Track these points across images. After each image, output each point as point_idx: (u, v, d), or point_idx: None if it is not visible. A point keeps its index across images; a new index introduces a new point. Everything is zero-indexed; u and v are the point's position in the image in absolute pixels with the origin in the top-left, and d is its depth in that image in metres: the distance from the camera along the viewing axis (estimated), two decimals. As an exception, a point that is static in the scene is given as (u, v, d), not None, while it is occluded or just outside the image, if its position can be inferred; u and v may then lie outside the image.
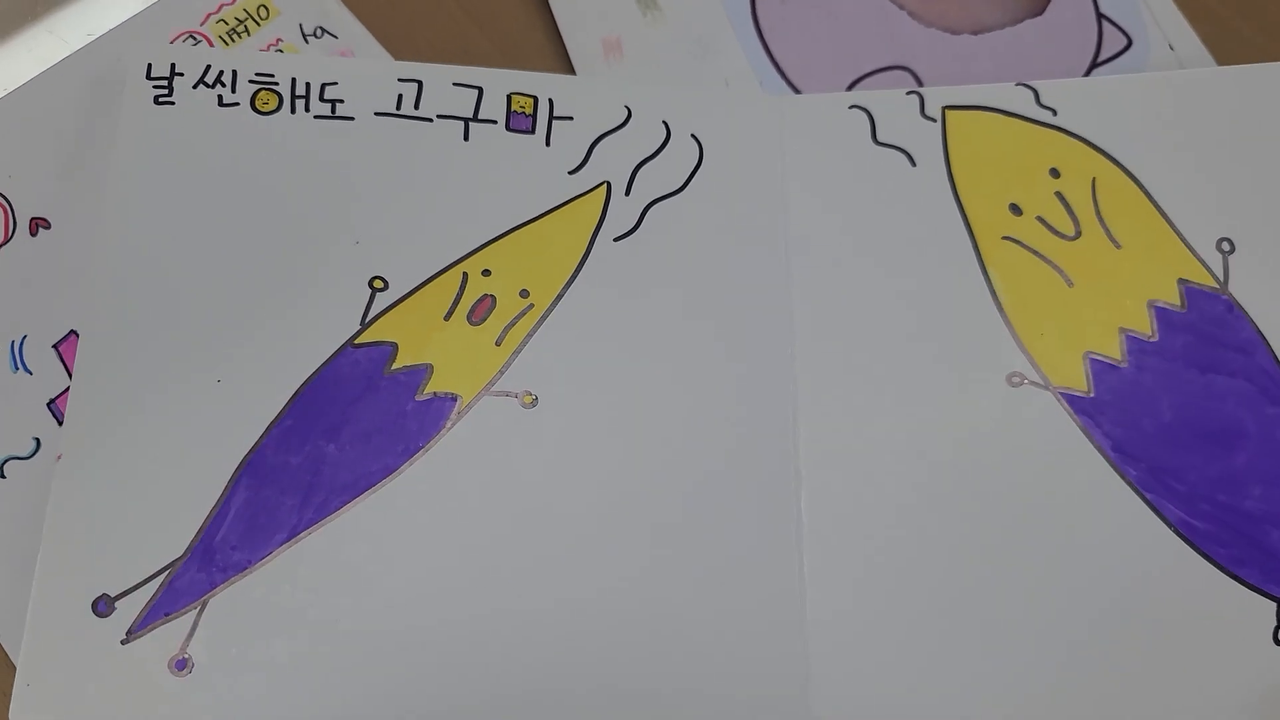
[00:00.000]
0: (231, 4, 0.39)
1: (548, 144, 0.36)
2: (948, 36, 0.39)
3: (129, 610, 0.30)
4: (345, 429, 0.32)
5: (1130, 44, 0.39)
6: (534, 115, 0.36)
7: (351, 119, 0.35)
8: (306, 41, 0.39)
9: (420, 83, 0.36)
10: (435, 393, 0.33)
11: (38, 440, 0.34)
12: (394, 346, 0.33)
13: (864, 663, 0.31)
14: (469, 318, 0.34)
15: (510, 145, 0.36)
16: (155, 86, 0.36)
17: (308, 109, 0.35)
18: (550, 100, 0.36)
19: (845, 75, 0.38)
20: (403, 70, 0.36)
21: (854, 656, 0.31)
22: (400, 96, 0.36)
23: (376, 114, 0.36)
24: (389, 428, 0.32)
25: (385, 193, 0.35)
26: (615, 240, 0.35)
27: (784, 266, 0.34)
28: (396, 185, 0.35)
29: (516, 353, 0.33)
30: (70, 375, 0.34)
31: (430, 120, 0.36)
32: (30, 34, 0.40)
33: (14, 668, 0.30)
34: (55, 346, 0.35)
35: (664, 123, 0.36)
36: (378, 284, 0.34)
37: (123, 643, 0.30)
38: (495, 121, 0.36)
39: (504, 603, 0.31)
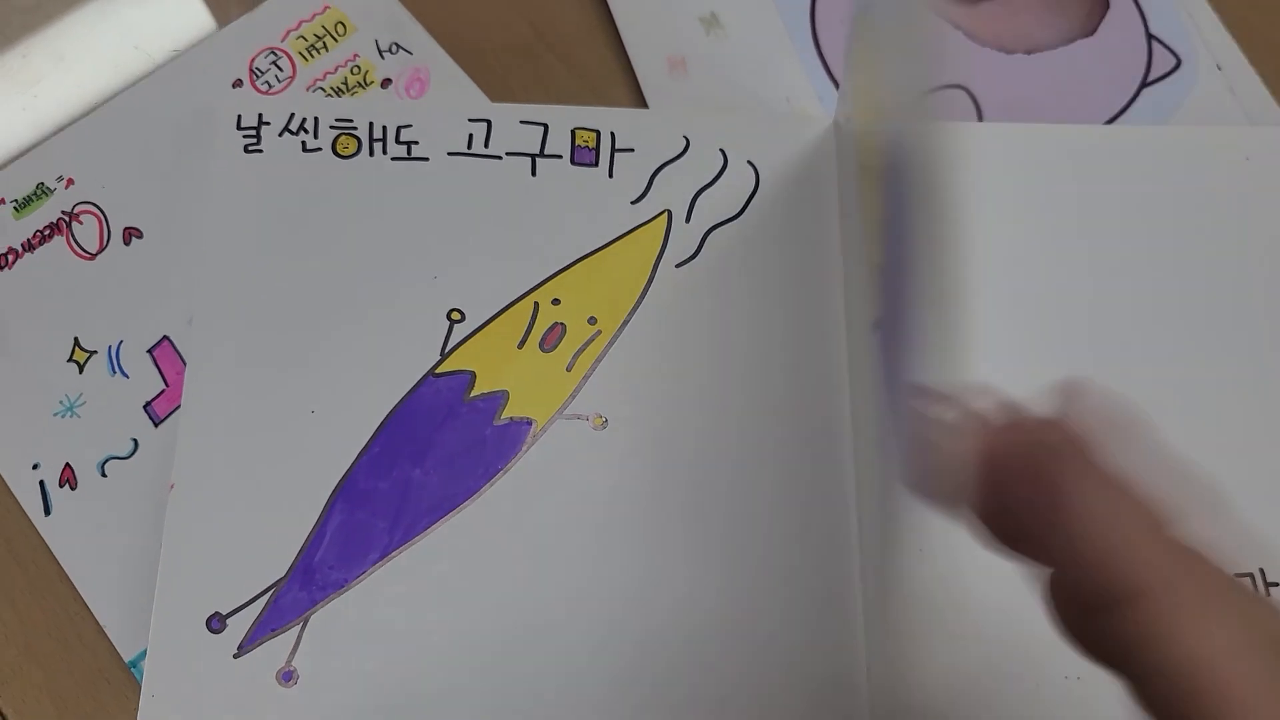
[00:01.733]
0: (310, 20, 0.41)
1: (610, 175, 0.37)
2: (1002, 56, 0.40)
3: (239, 627, 0.33)
4: (430, 454, 0.34)
5: (1180, 64, 0.40)
6: (596, 148, 0.38)
7: (426, 159, 0.37)
8: (382, 57, 0.41)
9: (489, 122, 0.38)
10: (512, 418, 0.35)
11: (135, 441, 0.36)
12: (472, 375, 0.35)
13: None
14: (541, 345, 0.36)
15: (575, 178, 0.37)
16: (245, 136, 0.38)
17: (385, 151, 0.37)
18: (612, 134, 0.38)
19: (902, 94, 0.40)
20: (473, 110, 0.38)
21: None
22: (471, 136, 0.37)
23: (449, 154, 0.37)
24: (470, 451, 0.34)
25: (460, 228, 0.37)
26: (677, 266, 0.36)
27: (839, 286, 0.36)
28: (471, 221, 0.37)
29: (586, 377, 0.35)
30: (164, 379, 0.36)
31: (500, 158, 0.37)
32: (117, 50, 0.41)
33: (123, 665, 0.33)
34: (150, 351, 0.37)
35: (721, 150, 0.38)
36: (455, 315, 0.36)
37: (234, 656, 0.32)
38: (560, 156, 0.37)
39: (582, 611, 0.33)
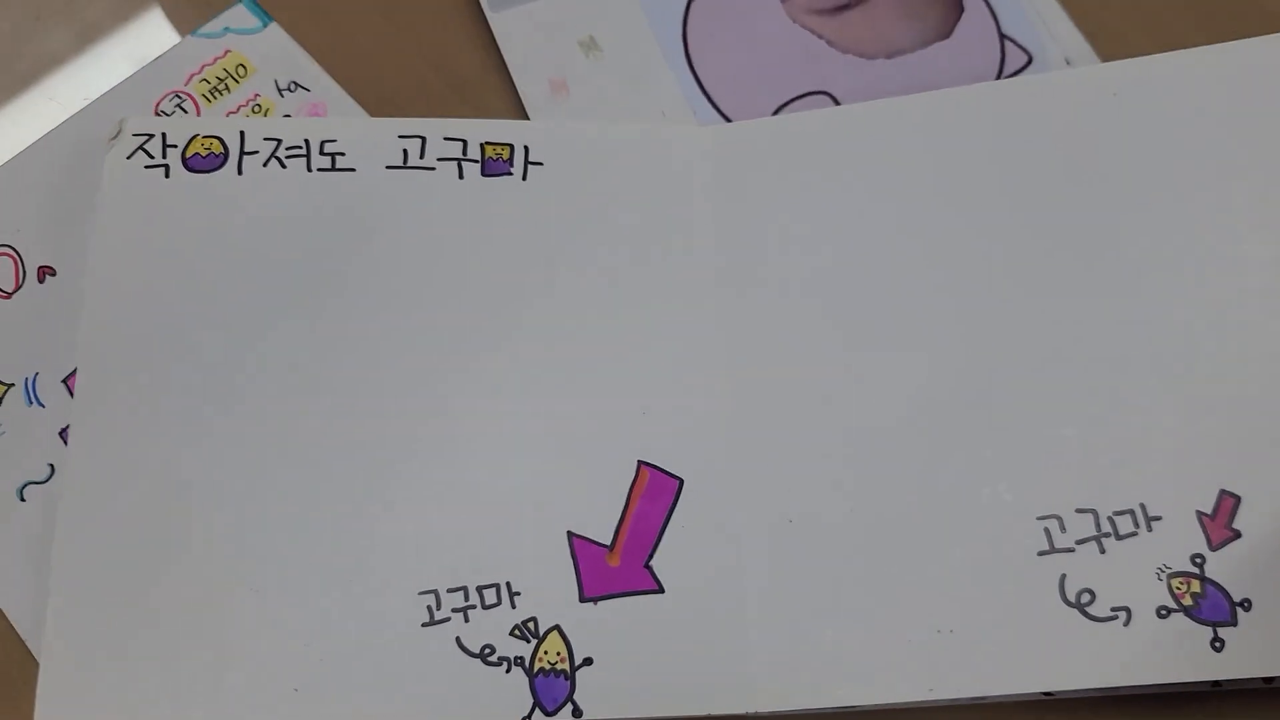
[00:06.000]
0: (212, 64, 0.43)
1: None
2: (863, 62, 0.43)
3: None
4: None
5: (1031, 60, 0.42)
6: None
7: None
8: (281, 95, 0.43)
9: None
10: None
11: (52, 466, 0.38)
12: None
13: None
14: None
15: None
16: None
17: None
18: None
19: (771, 102, 0.42)
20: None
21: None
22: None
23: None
24: None
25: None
26: None
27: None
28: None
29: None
30: (80, 407, 0.38)
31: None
32: (31, 101, 0.44)
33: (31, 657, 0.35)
34: (64, 381, 0.39)
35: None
36: None
37: None
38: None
39: None
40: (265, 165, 0.39)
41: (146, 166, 0.39)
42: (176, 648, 0.34)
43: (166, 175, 0.39)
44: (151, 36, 0.45)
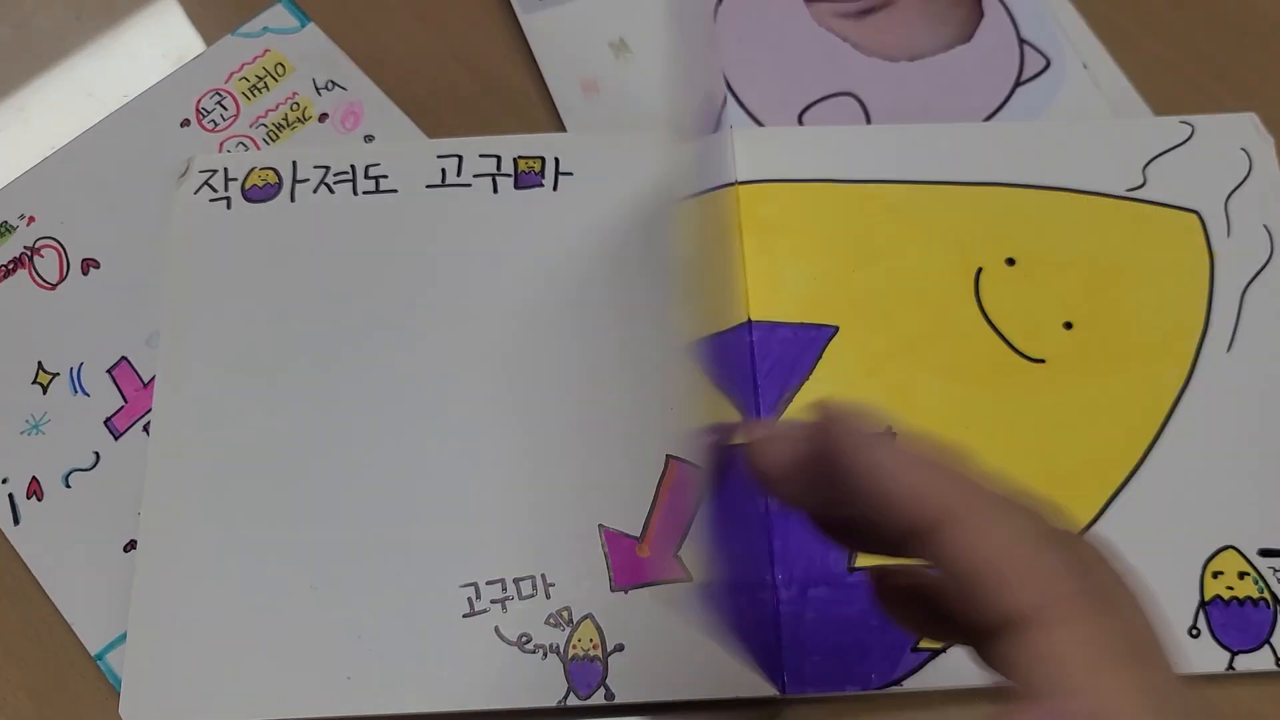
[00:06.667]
0: (252, 63, 0.44)
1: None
2: (887, 64, 0.44)
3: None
4: None
5: (1049, 64, 0.43)
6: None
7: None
8: (319, 94, 0.44)
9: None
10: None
11: (97, 454, 0.39)
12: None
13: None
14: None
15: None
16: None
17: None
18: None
19: (798, 104, 0.43)
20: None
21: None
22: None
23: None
24: None
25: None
26: None
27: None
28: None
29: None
30: (123, 396, 0.39)
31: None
32: (72, 97, 0.45)
33: (89, 658, 0.36)
34: (109, 371, 0.40)
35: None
36: None
37: None
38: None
39: None
40: (315, 192, 0.41)
41: (210, 200, 0.41)
42: (244, 639, 0.36)
43: (228, 207, 0.41)
44: (191, 35, 0.46)
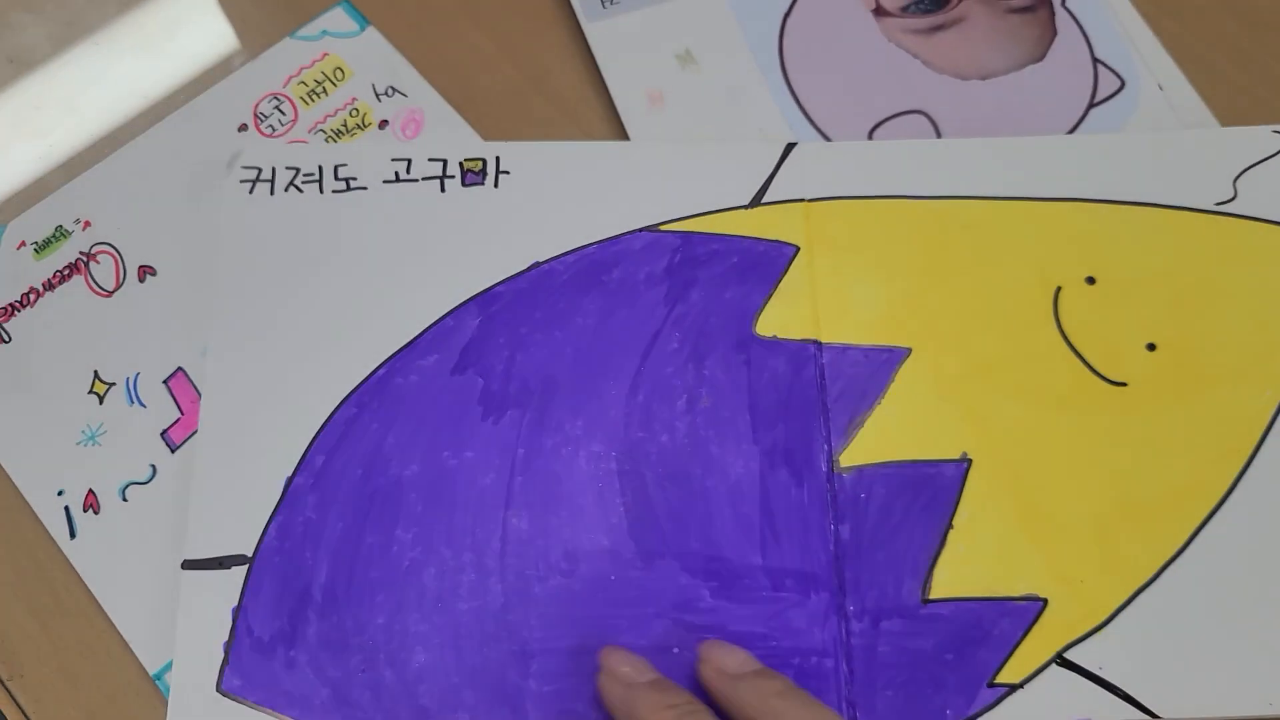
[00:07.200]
0: (310, 67, 0.43)
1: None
2: (958, 83, 0.43)
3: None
4: None
5: (1123, 85, 0.43)
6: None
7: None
8: (379, 99, 0.43)
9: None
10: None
11: (154, 466, 0.38)
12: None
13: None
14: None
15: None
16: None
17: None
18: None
19: (868, 121, 0.42)
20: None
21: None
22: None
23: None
24: None
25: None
26: None
27: None
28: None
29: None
30: (179, 408, 0.38)
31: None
32: (126, 99, 0.44)
33: (148, 677, 0.36)
34: (165, 382, 0.39)
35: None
36: None
37: None
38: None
39: None
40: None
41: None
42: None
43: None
44: (249, 37, 0.45)
